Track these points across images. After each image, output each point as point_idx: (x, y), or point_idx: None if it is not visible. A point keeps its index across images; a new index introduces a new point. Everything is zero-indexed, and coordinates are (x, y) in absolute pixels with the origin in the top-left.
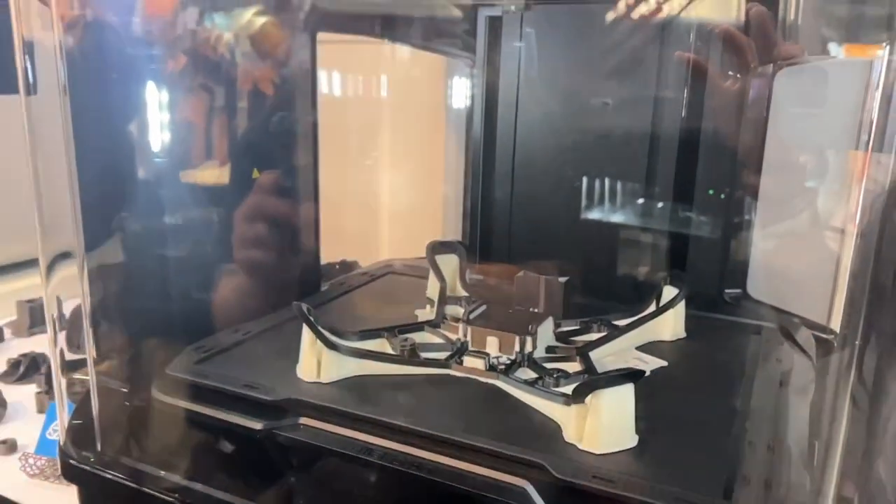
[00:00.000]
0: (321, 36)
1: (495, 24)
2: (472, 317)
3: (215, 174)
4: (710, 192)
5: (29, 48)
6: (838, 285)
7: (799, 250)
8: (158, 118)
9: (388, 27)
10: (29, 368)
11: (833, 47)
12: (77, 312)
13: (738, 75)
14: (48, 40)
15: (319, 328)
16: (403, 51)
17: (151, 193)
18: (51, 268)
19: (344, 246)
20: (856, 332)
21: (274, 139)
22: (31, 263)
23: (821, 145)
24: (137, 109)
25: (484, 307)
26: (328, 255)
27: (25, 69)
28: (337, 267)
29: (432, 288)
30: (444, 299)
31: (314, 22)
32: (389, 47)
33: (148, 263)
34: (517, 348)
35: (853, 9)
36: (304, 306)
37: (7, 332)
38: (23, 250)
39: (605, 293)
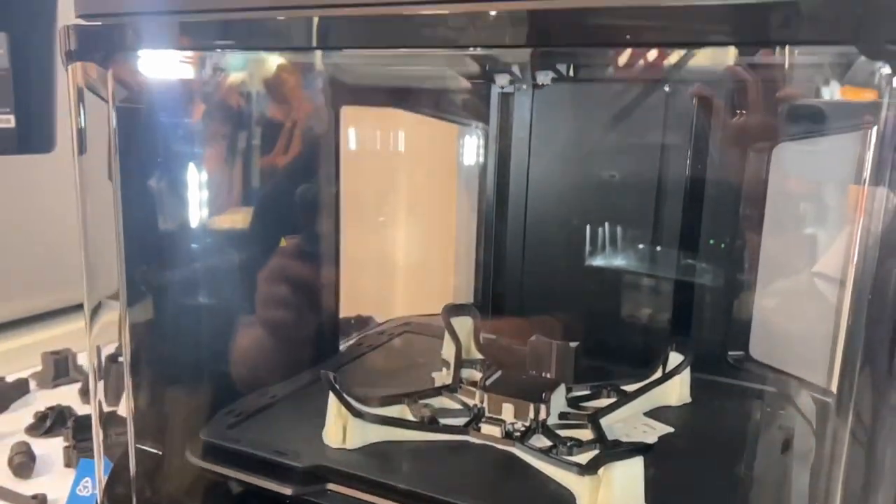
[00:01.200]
0: None
1: (507, 99)
2: (488, 383)
3: (240, 218)
4: (711, 241)
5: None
6: (837, 345)
7: (798, 309)
8: (191, 174)
9: (405, 99)
10: (55, 422)
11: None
12: (102, 367)
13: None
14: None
15: (345, 396)
16: (418, 116)
17: (181, 247)
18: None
19: (358, 301)
20: (850, 392)
21: (299, 205)
22: (52, 315)
23: (819, 208)
24: (173, 167)
25: (499, 373)
26: (343, 310)
27: (81, 130)
28: (352, 322)
29: (447, 349)
30: (459, 362)
31: (338, 97)
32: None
33: (178, 316)
34: (532, 415)
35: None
36: (331, 375)
37: (32, 384)
38: (44, 302)
39: (613, 348)
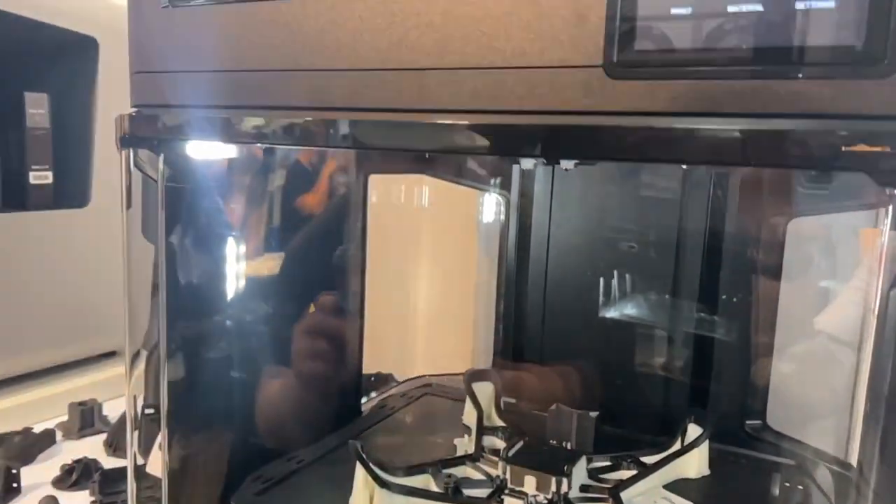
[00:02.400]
0: None
1: (528, 173)
2: (510, 454)
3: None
4: (729, 310)
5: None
6: (855, 414)
7: (816, 376)
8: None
9: (430, 166)
10: (82, 475)
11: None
12: (125, 418)
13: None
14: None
15: (372, 467)
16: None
17: (215, 306)
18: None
19: (379, 357)
20: (871, 466)
21: (334, 267)
22: (78, 364)
23: (834, 276)
24: (211, 237)
25: (521, 443)
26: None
27: (129, 188)
28: (373, 379)
29: (469, 415)
30: (481, 430)
31: (367, 166)
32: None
33: (208, 372)
34: (553, 488)
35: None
36: (359, 445)
37: (58, 434)
38: (71, 352)
39: (631, 407)
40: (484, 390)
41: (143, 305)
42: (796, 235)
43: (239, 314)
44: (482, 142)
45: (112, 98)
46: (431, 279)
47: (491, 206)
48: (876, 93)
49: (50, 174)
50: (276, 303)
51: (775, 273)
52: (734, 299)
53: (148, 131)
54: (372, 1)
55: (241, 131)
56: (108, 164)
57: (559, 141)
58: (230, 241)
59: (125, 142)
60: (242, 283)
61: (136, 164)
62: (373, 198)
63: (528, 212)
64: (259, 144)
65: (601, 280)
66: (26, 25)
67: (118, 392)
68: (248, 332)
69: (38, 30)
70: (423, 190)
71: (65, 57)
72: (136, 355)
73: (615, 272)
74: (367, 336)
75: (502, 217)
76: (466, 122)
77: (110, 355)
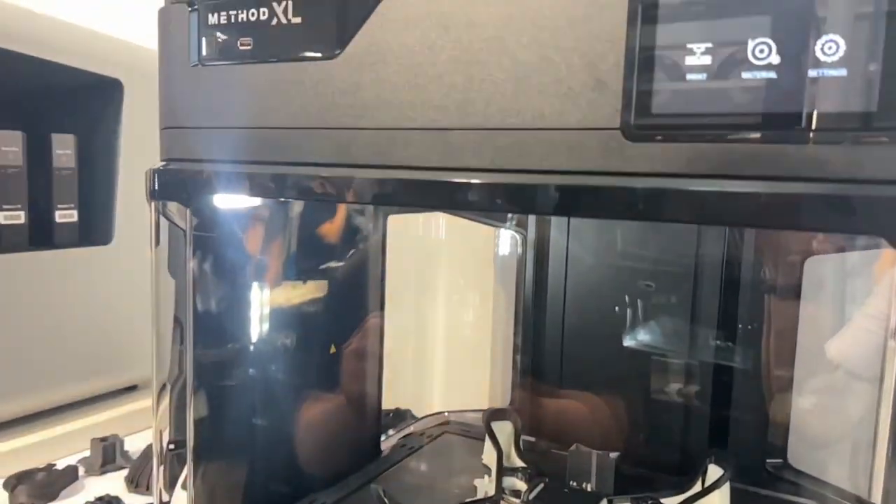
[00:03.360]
0: None
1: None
2: (531, 497)
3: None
4: (747, 347)
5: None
6: (877, 450)
7: (836, 411)
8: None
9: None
10: None
11: None
12: (147, 453)
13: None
14: None
15: None
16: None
17: (238, 346)
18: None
19: (396, 391)
20: None
21: (349, 305)
22: (99, 398)
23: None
24: (236, 282)
25: (541, 485)
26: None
27: (157, 227)
28: (391, 416)
29: (488, 455)
30: (501, 471)
31: (386, 208)
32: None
33: (230, 409)
34: None
35: None
36: (380, 490)
37: (80, 470)
38: (93, 386)
39: (651, 451)
40: (503, 430)
41: (169, 340)
42: (814, 273)
43: (261, 354)
44: (503, 200)
45: (135, 137)
46: (449, 313)
47: (507, 240)
48: (889, 158)
49: (75, 213)
50: (298, 342)
51: (793, 309)
52: (752, 336)
53: (176, 185)
54: (396, 65)
55: (267, 187)
56: (130, 202)
57: (578, 201)
58: (254, 286)
59: (154, 195)
60: (265, 324)
61: (164, 215)
62: (390, 232)
63: (544, 247)
64: (284, 199)
65: (619, 314)
66: (54, 70)
67: (139, 426)
68: (271, 371)
69: (65, 73)
70: (439, 223)
71: (91, 99)
72: (161, 389)
73: (633, 307)
74: (385, 371)
75: (519, 250)
76: (488, 182)
77: (131, 389)
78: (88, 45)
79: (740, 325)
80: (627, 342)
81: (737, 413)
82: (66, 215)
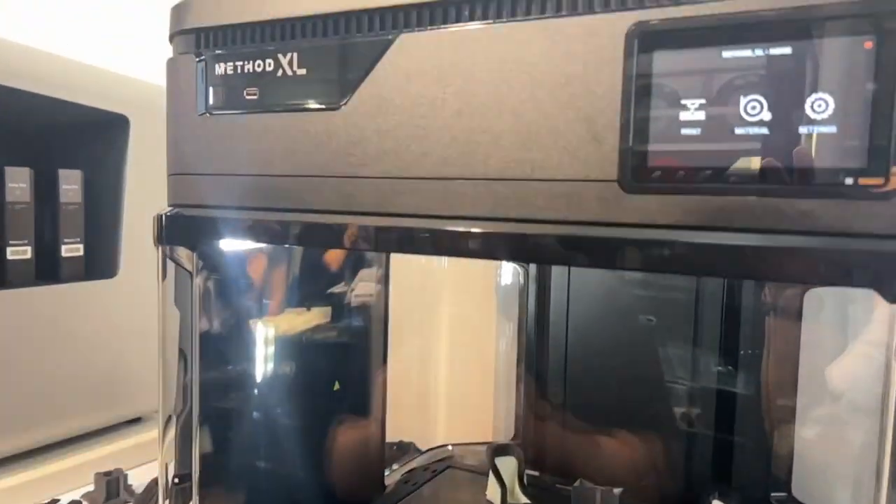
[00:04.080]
0: None
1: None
2: None
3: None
4: (750, 376)
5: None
6: (882, 481)
7: (839, 440)
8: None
9: None
10: None
11: None
12: (151, 487)
13: None
14: None
15: None
16: None
17: (241, 383)
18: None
19: (399, 423)
20: None
21: (352, 339)
22: (103, 432)
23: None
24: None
25: None
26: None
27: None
28: (395, 448)
29: (492, 490)
30: None
31: None
32: None
33: (234, 443)
34: None
35: None
36: None
37: None
38: (97, 420)
39: (653, 482)
40: (507, 465)
41: (175, 373)
42: (814, 300)
43: (265, 388)
44: (503, 250)
45: (141, 172)
46: (452, 343)
47: (510, 270)
48: (879, 213)
49: (81, 247)
50: (302, 375)
51: (794, 337)
52: (754, 365)
53: (182, 230)
54: (398, 116)
55: (272, 233)
56: (135, 235)
57: (576, 252)
58: (258, 320)
59: (162, 240)
60: (269, 358)
61: (171, 258)
62: (393, 262)
63: (546, 277)
64: (289, 245)
65: (621, 345)
66: (62, 107)
67: (143, 459)
68: (275, 405)
69: (73, 110)
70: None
71: (98, 135)
72: (167, 422)
73: (637, 340)
74: (388, 402)
75: (521, 281)
76: (488, 231)
77: (135, 422)
78: (96, 83)
79: (742, 352)
80: (631, 374)
81: (740, 444)
82: (72, 249)
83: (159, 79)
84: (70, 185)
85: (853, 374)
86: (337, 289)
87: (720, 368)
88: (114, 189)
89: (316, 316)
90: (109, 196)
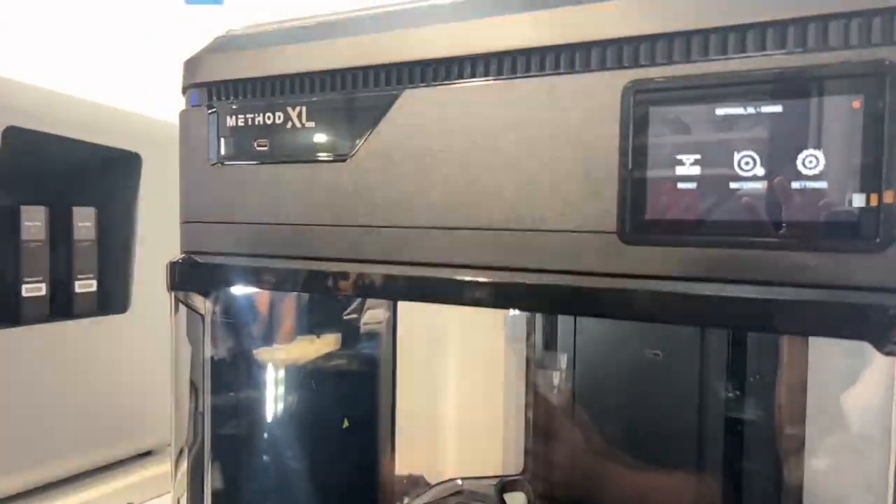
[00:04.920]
0: None
1: None
2: None
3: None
4: (758, 411)
5: None
6: None
7: (851, 471)
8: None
9: None
10: None
11: None
12: None
13: None
14: None
15: None
16: None
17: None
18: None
19: (408, 456)
20: None
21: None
22: (116, 465)
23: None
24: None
25: None
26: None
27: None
28: (404, 482)
29: None
30: None
31: None
32: None
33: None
34: None
35: None
36: None
37: None
38: (107, 454)
39: None
40: (516, 502)
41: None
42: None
43: (276, 422)
44: (505, 298)
45: (153, 207)
46: (460, 374)
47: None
48: (871, 267)
49: (94, 282)
50: (311, 409)
51: (802, 371)
52: (762, 396)
53: (194, 277)
54: (404, 169)
55: (281, 281)
56: (146, 270)
57: (577, 300)
58: (270, 355)
59: (175, 286)
60: (281, 390)
61: (184, 303)
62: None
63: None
64: (298, 292)
65: (629, 377)
66: (76, 146)
67: (155, 492)
68: (285, 439)
69: (86, 149)
70: None
71: (111, 172)
72: (179, 455)
73: (645, 373)
74: (398, 435)
75: (529, 313)
76: (491, 281)
77: (146, 455)
78: (109, 122)
79: (750, 380)
80: (639, 407)
81: (749, 477)
82: (85, 285)
83: (170, 114)
84: (84, 222)
85: (867, 403)
86: (346, 316)
87: (729, 395)
88: (126, 225)
89: (326, 343)
90: (122, 232)
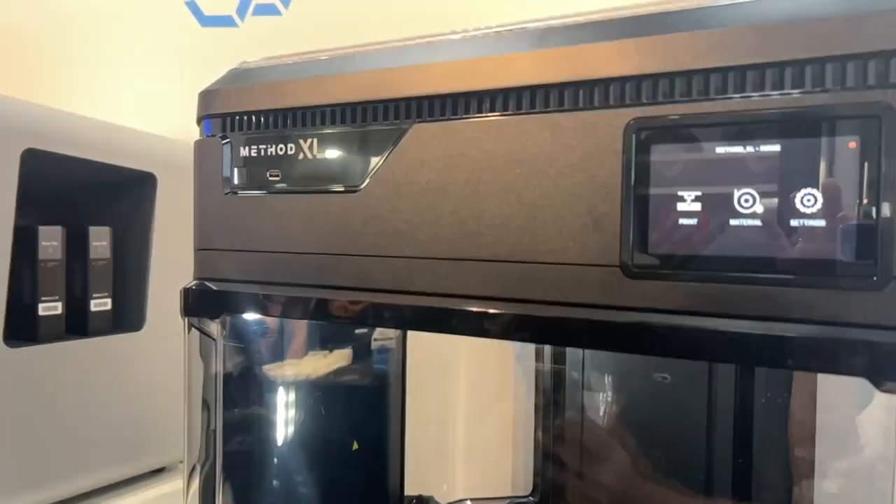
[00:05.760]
0: None
1: None
2: None
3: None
4: (766, 422)
5: None
6: None
7: (865, 493)
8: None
9: None
10: None
11: None
12: None
13: None
14: None
15: None
16: None
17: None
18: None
19: (417, 477)
20: None
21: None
22: (128, 482)
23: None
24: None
25: None
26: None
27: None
28: (414, 502)
29: None
30: None
31: None
32: None
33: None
34: None
35: None
36: None
37: None
38: (122, 471)
39: None
40: None
41: (199, 423)
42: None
43: (287, 437)
44: (510, 330)
45: (167, 227)
46: (470, 395)
47: None
48: (870, 304)
49: (109, 301)
50: (322, 426)
51: (811, 391)
52: (772, 420)
53: (207, 303)
54: (412, 200)
55: (292, 309)
56: (160, 289)
57: (581, 333)
58: (282, 370)
59: (188, 311)
60: (293, 406)
61: (197, 327)
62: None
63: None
64: (309, 321)
65: (637, 399)
66: (92, 167)
67: None
68: (296, 457)
69: (103, 170)
70: None
71: (126, 192)
72: (191, 472)
73: (652, 398)
74: (407, 455)
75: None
76: (497, 312)
77: (159, 472)
78: (124, 143)
79: (760, 401)
80: (648, 429)
81: (760, 499)
82: (100, 304)
83: (185, 134)
84: (99, 241)
85: (883, 425)
86: (358, 331)
87: (737, 417)
88: (141, 244)
89: (338, 358)
90: (136, 251)
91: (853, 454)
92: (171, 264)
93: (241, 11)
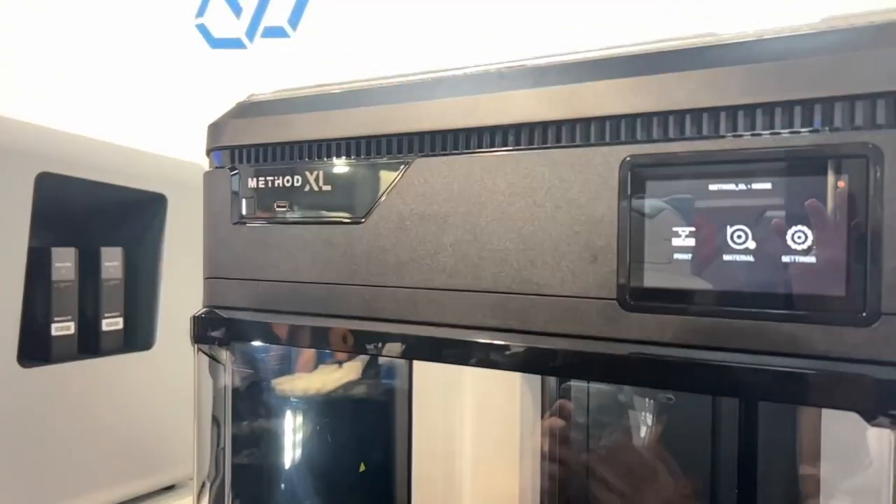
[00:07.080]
0: None
1: None
2: None
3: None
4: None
5: None
6: None
7: None
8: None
9: None
10: None
11: None
12: None
13: None
14: None
15: None
16: None
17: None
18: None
19: (424, 496)
20: None
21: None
22: (139, 500)
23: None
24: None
25: None
26: None
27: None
28: None
29: None
30: None
31: None
32: None
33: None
34: None
35: None
36: None
37: None
38: (133, 488)
39: None
40: None
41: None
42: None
43: (295, 460)
44: (509, 361)
45: (178, 247)
46: (477, 417)
47: None
48: (859, 340)
49: (121, 320)
50: (329, 452)
51: (817, 414)
52: (777, 440)
53: (216, 331)
54: (414, 232)
55: (299, 338)
56: (171, 308)
57: (578, 364)
58: (289, 405)
59: (197, 339)
60: (300, 429)
61: (206, 353)
62: None
63: None
64: (315, 349)
65: (641, 419)
66: (104, 189)
67: None
68: (303, 478)
69: (115, 192)
70: None
71: (137, 213)
72: (201, 489)
73: (654, 411)
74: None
75: None
76: (495, 342)
77: (169, 489)
78: (135, 165)
79: (763, 419)
80: (651, 452)
81: None
82: (112, 323)
83: (195, 155)
84: (111, 261)
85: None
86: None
87: (741, 436)
88: (152, 264)
89: (348, 371)
90: (148, 270)
91: (860, 472)
92: (182, 283)
93: (251, 34)
